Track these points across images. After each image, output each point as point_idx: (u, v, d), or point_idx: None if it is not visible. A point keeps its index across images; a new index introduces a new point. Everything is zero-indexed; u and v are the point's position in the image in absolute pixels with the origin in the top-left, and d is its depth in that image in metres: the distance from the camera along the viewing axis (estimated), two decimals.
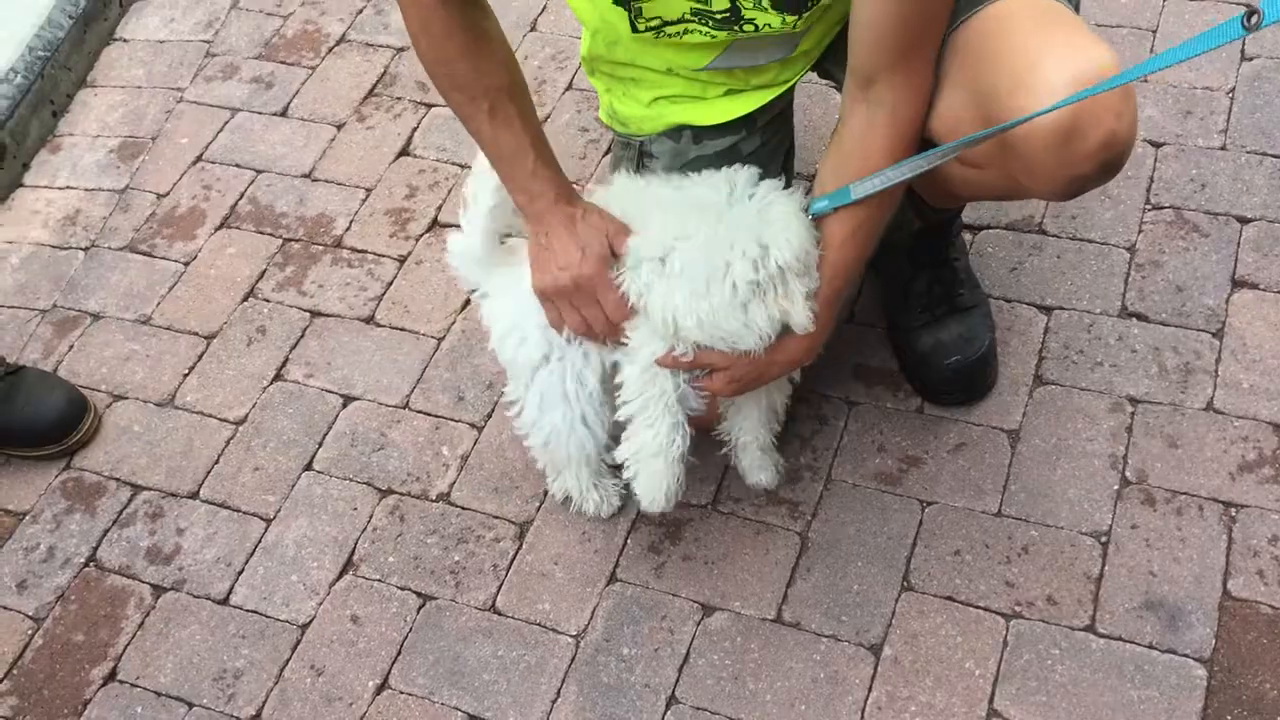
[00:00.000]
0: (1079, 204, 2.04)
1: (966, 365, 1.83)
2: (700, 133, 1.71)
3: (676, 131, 1.71)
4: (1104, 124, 1.29)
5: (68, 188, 2.41)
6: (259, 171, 2.37)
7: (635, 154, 1.76)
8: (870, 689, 1.61)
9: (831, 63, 1.66)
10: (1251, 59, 2.17)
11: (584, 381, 1.62)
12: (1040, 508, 1.73)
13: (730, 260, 1.42)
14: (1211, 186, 2.02)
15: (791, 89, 1.71)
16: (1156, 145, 2.09)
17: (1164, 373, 1.83)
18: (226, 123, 2.46)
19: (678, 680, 1.65)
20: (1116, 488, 1.73)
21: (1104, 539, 1.69)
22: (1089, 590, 1.64)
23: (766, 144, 1.73)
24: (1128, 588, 1.64)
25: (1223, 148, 2.06)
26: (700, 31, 1.53)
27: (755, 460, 1.75)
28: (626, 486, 1.70)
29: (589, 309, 1.55)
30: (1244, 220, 1.97)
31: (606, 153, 2.25)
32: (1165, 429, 1.77)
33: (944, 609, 1.66)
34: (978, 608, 1.65)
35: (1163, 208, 2.01)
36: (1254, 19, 1.05)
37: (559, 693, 1.66)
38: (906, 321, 1.87)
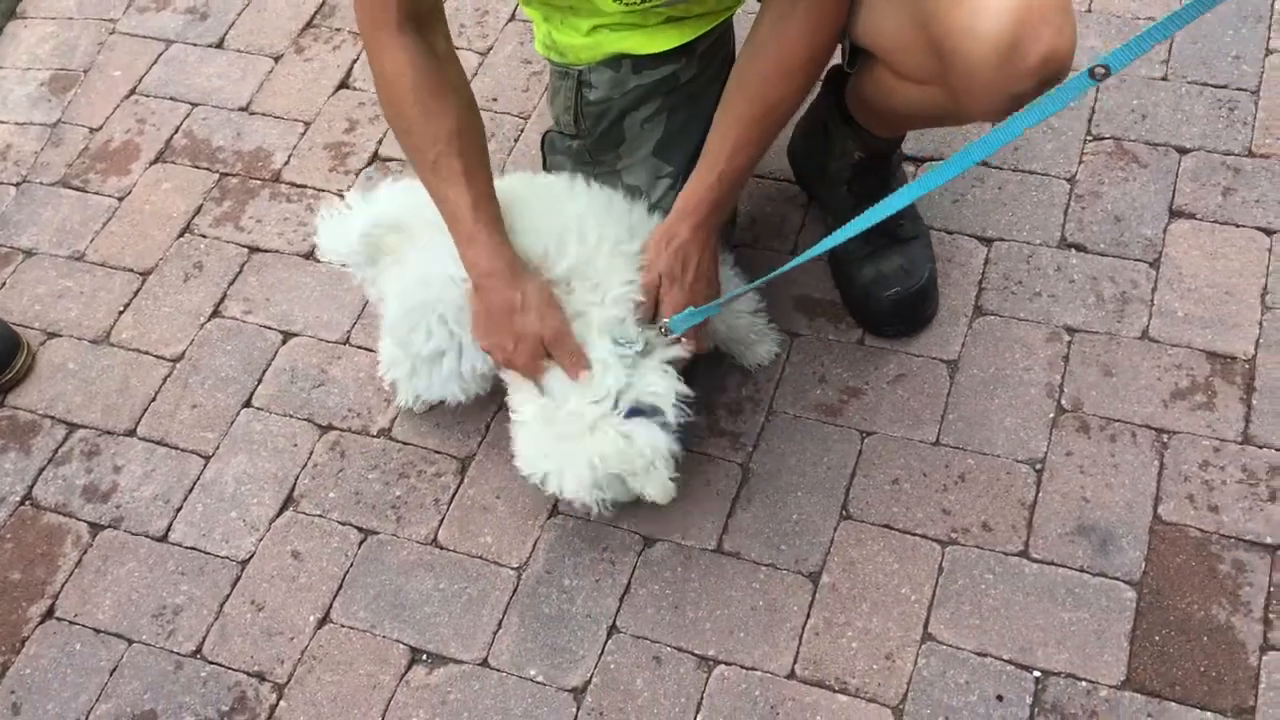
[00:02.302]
0: (1022, 135, 2.03)
1: (907, 296, 1.83)
2: (640, 62, 1.68)
3: (616, 61, 1.69)
4: (1044, 39, 1.30)
5: None
6: (194, 105, 2.32)
7: (574, 84, 1.74)
8: (808, 615, 1.63)
9: None
10: None
11: (479, 369, 1.69)
12: (977, 436, 1.74)
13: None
14: (1152, 117, 2.03)
15: (731, 15, 1.69)
16: None
17: (1101, 302, 1.84)
18: (160, 55, 2.40)
19: (619, 610, 1.66)
20: (1052, 416, 1.75)
21: (1039, 466, 1.71)
22: (1023, 516, 1.67)
23: (704, 72, 1.71)
24: (1061, 513, 1.66)
25: (1164, 78, 2.07)
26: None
27: (751, 337, 1.78)
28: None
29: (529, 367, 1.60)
30: (1183, 150, 1.98)
31: None
32: (1101, 357, 1.79)
33: (881, 537, 1.67)
34: (914, 535, 1.67)
35: (1103, 138, 2.02)
36: (1099, 71, 1.17)
37: (500, 624, 1.67)
38: (847, 253, 1.87)
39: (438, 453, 1.83)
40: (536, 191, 1.66)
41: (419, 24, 1.50)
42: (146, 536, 1.80)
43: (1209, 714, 1.49)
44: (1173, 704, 1.50)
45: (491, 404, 1.85)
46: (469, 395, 1.73)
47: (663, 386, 1.55)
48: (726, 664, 1.60)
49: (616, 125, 1.73)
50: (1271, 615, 1.55)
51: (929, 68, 1.40)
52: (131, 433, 1.91)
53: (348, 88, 2.30)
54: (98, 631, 1.72)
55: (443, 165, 1.50)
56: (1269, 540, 1.60)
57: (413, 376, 1.75)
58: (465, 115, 1.53)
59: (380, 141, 2.21)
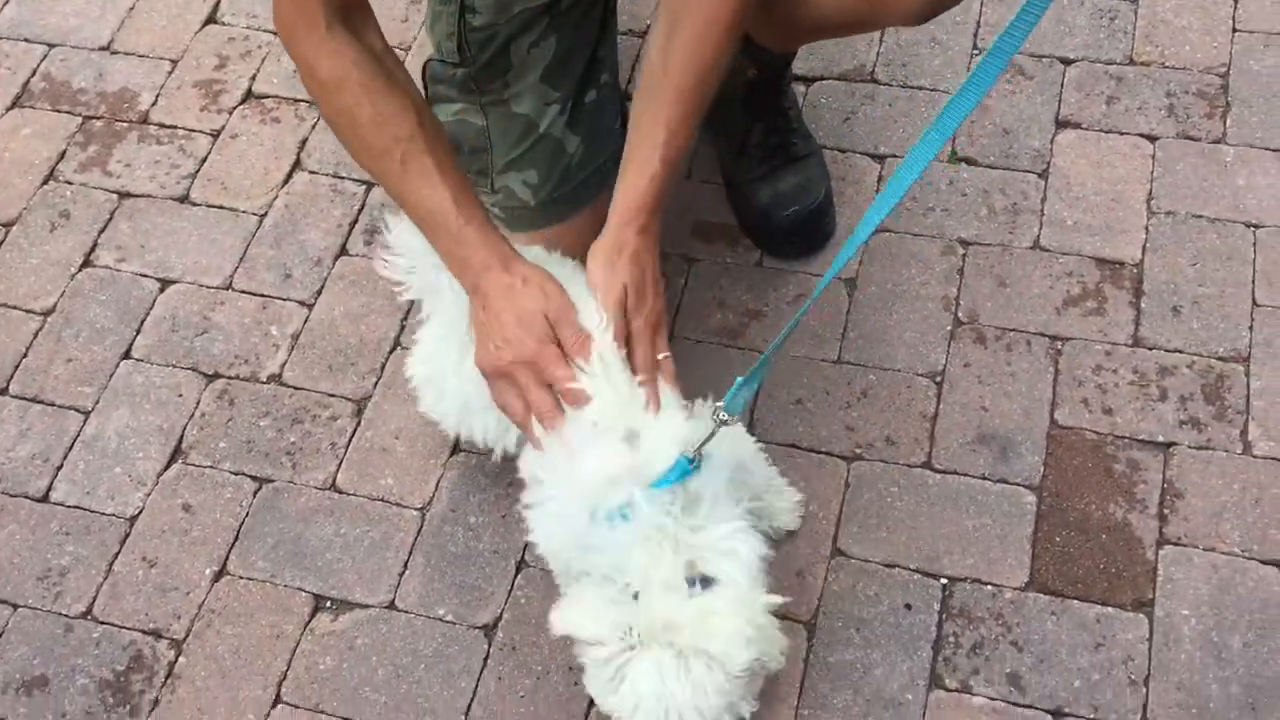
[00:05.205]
0: (909, 51, 2.03)
1: (805, 215, 1.82)
2: None
3: None
4: None
5: None
6: (52, 45, 2.19)
7: (456, 9, 1.66)
8: None
9: None
10: None
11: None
12: (878, 352, 1.75)
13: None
14: (1036, 29, 2.03)
15: None
16: None
17: (993, 214, 1.85)
18: None
19: (526, 545, 1.63)
20: (950, 328, 1.76)
21: (938, 379, 1.72)
22: (925, 429, 1.68)
23: None
24: (961, 424, 1.68)
25: None
26: None
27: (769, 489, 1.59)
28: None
29: (534, 392, 1.35)
30: (1067, 61, 2.00)
31: None
32: (995, 269, 1.80)
33: (787, 456, 1.67)
34: (820, 453, 1.67)
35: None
36: None
37: (406, 566, 1.63)
38: (744, 175, 1.85)
39: (332, 396, 1.78)
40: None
41: (347, 19, 1.36)
42: (26, 498, 1.71)
43: (1109, 609, 1.52)
44: (1075, 601, 1.53)
45: (386, 341, 1.80)
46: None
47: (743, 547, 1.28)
48: None
49: (503, 52, 1.67)
50: (1166, 511, 1.59)
51: None
52: (3, 391, 1.81)
53: (216, 22, 2.20)
54: None
55: (412, 163, 1.37)
56: (1161, 439, 1.64)
57: (463, 411, 1.52)
58: (423, 110, 1.41)
59: (253, 78, 2.12)
